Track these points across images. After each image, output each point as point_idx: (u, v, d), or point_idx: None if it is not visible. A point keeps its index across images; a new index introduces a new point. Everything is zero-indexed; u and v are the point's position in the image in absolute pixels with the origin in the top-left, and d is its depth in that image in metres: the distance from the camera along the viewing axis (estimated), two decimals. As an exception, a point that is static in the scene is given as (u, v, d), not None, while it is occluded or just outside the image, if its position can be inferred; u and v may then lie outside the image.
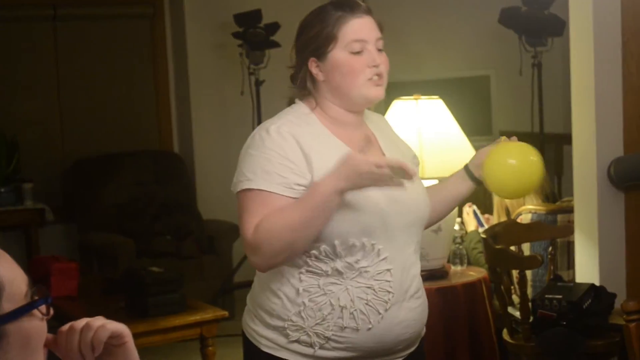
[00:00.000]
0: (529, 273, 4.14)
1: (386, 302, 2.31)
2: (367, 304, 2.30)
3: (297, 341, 2.33)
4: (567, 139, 3.99)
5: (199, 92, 7.04)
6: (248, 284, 2.58)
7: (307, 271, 2.31)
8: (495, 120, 7.29)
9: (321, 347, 2.32)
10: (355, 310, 2.29)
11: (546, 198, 4.48)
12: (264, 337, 2.38)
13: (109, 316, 1.52)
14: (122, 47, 7.03)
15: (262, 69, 6.59)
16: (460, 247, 4.16)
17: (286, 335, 2.34)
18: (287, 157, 2.29)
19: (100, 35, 6.95)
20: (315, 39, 2.36)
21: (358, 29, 2.35)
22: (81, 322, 1.47)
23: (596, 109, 3.79)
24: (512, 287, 4.10)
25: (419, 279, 2.41)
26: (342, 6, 2.36)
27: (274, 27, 6.45)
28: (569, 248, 4.20)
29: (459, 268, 4.09)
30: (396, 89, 4.75)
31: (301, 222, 2.21)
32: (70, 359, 1.47)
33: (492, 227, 4.15)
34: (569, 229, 4.09)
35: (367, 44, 2.35)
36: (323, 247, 2.28)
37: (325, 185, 2.20)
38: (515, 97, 7.21)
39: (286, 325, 2.33)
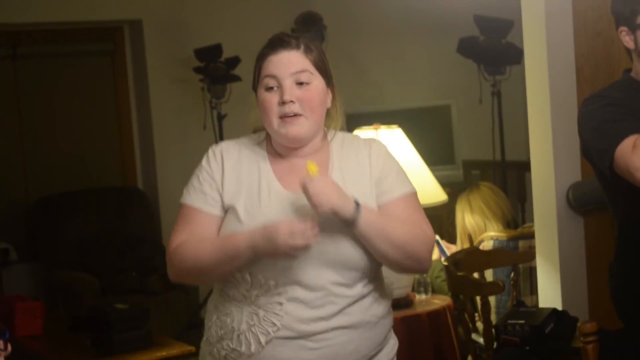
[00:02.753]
0: (492, 299, 4.17)
1: (268, 333, 2.29)
2: (250, 329, 2.31)
3: (210, 354, 2.42)
4: (528, 166, 4.04)
5: (161, 128, 7.04)
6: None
7: (221, 292, 2.40)
8: (457, 149, 7.36)
9: None
10: (242, 334, 2.32)
11: (507, 224, 4.53)
12: (201, 347, 2.50)
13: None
14: (83, 84, 7.03)
15: (224, 102, 6.62)
16: (424, 275, 4.18)
17: (206, 346, 2.45)
18: (211, 175, 2.40)
19: (61, 72, 6.94)
20: (253, 75, 2.42)
21: (272, 65, 2.36)
22: None
23: (553, 135, 3.83)
24: (476, 314, 4.13)
25: (334, 322, 2.29)
26: (269, 43, 2.40)
27: (235, 61, 6.49)
28: (531, 273, 4.23)
29: (423, 297, 4.11)
30: (357, 119, 4.81)
31: (210, 262, 2.30)
32: None
33: (454, 255, 4.18)
34: (530, 255, 4.13)
35: (281, 80, 2.34)
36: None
37: (242, 240, 2.26)
38: (476, 125, 7.28)
39: (205, 338, 2.46)
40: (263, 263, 2.26)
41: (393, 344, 2.49)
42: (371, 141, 2.48)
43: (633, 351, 2.85)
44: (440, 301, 4.04)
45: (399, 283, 3.86)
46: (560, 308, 3.72)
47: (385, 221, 2.31)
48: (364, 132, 4.08)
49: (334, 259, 2.29)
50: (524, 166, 6.66)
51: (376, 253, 2.31)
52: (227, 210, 2.37)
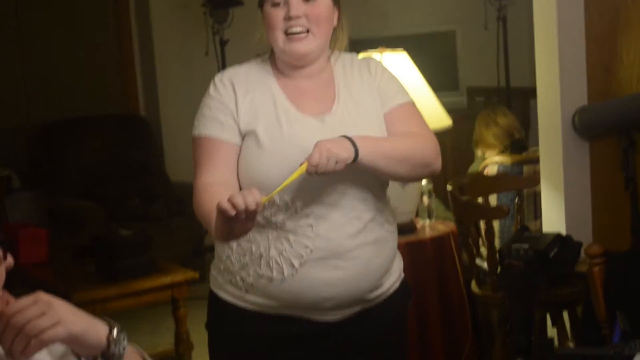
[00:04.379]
0: (496, 225, 4.17)
1: (302, 256, 2.29)
2: (281, 254, 2.30)
3: (230, 283, 2.39)
4: (533, 92, 4.00)
5: (163, 54, 7.00)
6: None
7: None
8: (462, 76, 7.29)
9: (247, 292, 2.36)
10: (271, 259, 2.30)
11: (505, 149, 4.51)
12: (212, 276, 2.46)
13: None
14: (84, 9, 6.95)
15: (227, 28, 6.55)
16: (429, 200, 4.16)
17: (223, 276, 2.42)
18: (224, 103, 2.35)
19: (62, -2, 6.88)
20: None
21: None
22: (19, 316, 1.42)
23: (559, 58, 3.79)
24: (480, 239, 4.13)
25: (360, 238, 2.32)
26: None
27: (237, -14, 6.41)
28: (536, 198, 4.22)
29: (427, 222, 4.09)
30: (361, 45, 4.74)
31: (207, 228, 2.25)
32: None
33: (458, 180, 4.16)
34: (534, 180, 4.11)
35: None
36: None
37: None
38: (481, 52, 7.22)
39: (222, 267, 2.41)
40: (288, 186, 2.21)
41: (399, 257, 2.54)
42: (368, 59, 2.51)
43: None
44: (444, 227, 4.03)
45: (403, 208, 3.84)
46: (564, 233, 3.72)
47: (381, 143, 2.32)
48: (369, 56, 4.01)
49: (361, 175, 2.31)
50: (529, 92, 6.61)
51: (386, 175, 2.36)
52: (244, 136, 2.33)
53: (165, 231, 6.04)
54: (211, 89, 2.39)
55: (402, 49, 4.12)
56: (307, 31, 2.32)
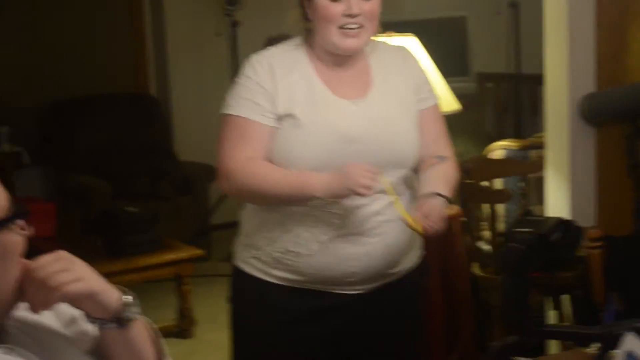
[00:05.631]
0: (501, 209, 4.18)
1: (328, 233, 2.35)
2: (307, 230, 2.35)
3: (255, 257, 2.45)
4: (543, 79, 4.01)
5: (175, 33, 7.00)
6: (225, 226, 2.67)
7: None
8: (472, 61, 7.28)
9: (274, 267, 2.42)
10: (298, 235, 2.36)
11: (488, 138, 4.51)
12: (237, 252, 2.52)
13: (86, 255, 1.59)
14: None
15: (239, 10, 6.55)
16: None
17: (248, 251, 2.47)
18: (262, 85, 2.38)
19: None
20: None
21: None
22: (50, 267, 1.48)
23: (568, 45, 3.80)
24: (483, 223, 4.14)
25: (384, 216, 2.38)
26: None
27: (250, -34, 6.41)
28: (541, 183, 4.22)
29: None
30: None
31: (272, 194, 2.33)
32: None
33: (463, 162, 4.17)
34: (540, 165, 4.12)
35: None
36: None
37: (313, 186, 2.27)
38: (492, 37, 7.20)
39: (248, 242, 2.47)
40: (322, 166, 2.29)
41: (420, 238, 2.58)
42: (402, 48, 2.59)
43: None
44: (449, 209, 4.03)
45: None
46: (568, 218, 3.73)
47: (449, 183, 2.50)
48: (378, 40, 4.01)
49: (391, 158, 2.39)
50: (539, 79, 6.60)
51: None
52: (281, 118, 2.37)
53: (172, 210, 6.07)
54: (248, 70, 2.42)
55: (411, 33, 4.12)
56: (361, 27, 2.37)
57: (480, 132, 4.72)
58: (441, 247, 3.87)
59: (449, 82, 4.22)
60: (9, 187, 5.48)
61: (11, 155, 6.34)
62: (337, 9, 2.34)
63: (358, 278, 2.41)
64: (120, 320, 1.55)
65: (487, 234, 4.03)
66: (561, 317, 3.73)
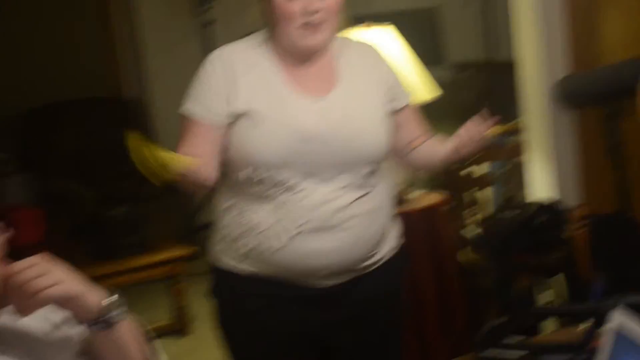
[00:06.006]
0: (488, 193, 4.22)
1: (295, 228, 2.32)
2: (275, 225, 2.34)
3: (227, 251, 2.45)
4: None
5: (150, 36, 6.99)
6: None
7: (234, 191, 2.41)
8: (447, 51, 7.35)
9: (244, 262, 2.42)
10: (268, 228, 2.34)
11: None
12: (212, 247, 2.52)
13: (75, 260, 1.59)
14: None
15: (216, 6, 6.57)
16: (419, 172, 4.21)
17: (220, 245, 2.48)
18: (217, 83, 2.34)
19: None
20: None
21: None
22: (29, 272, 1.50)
23: (540, 29, 3.83)
24: (467, 210, 4.19)
25: (350, 211, 2.36)
26: None
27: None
28: (523, 168, 4.28)
29: (417, 193, 4.15)
30: (345, 22, 4.79)
31: None
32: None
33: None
34: (520, 149, 4.18)
35: None
36: (240, 173, 2.35)
37: None
38: (465, 26, 7.25)
39: (219, 237, 2.47)
40: (281, 165, 2.29)
41: (396, 224, 2.61)
42: (370, 46, 2.55)
43: (625, 233, 2.91)
44: (434, 198, 4.09)
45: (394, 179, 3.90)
46: (553, 200, 3.78)
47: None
48: (356, 32, 4.07)
49: (355, 156, 2.37)
50: (513, 65, 6.66)
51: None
52: (239, 116, 2.33)
53: (160, 210, 6.09)
54: (208, 66, 2.37)
55: (389, 23, 4.17)
56: (322, 22, 2.31)
57: (460, 118, 4.75)
58: (429, 235, 3.94)
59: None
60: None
61: (-4, 163, 6.35)
62: (295, 7, 2.29)
63: (328, 272, 2.39)
64: (105, 321, 1.56)
65: (473, 219, 4.09)
66: (548, 299, 3.79)
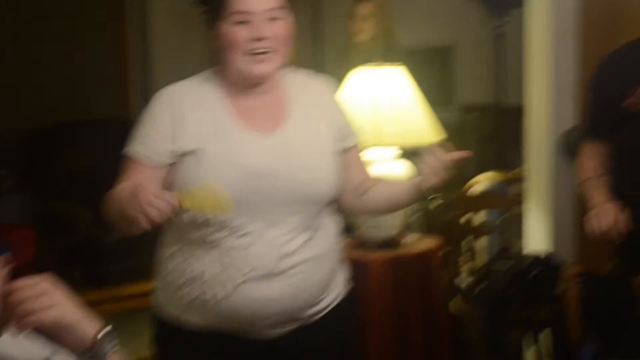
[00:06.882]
0: (483, 241, 4.18)
1: (237, 277, 2.26)
2: (218, 274, 2.27)
3: (170, 301, 2.36)
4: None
5: (161, 60, 6.99)
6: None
7: (177, 238, 2.34)
8: (457, 92, 7.32)
9: (186, 312, 2.33)
10: (211, 278, 2.27)
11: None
12: (154, 294, 2.43)
13: (65, 284, 1.56)
14: (77, 13, 6.97)
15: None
16: (415, 216, 4.17)
17: (163, 293, 2.38)
18: (161, 123, 2.29)
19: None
20: (208, 10, 2.31)
21: (243, 1, 2.23)
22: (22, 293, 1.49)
23: (550, 79, 3.82)
24: (461, 258, 4.13)
25: (297, 257, 2.30)
26: None
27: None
28: (521, 218, 4.23)
29: (413, 238, 4.10)
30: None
31: (113, 216, 2.26)
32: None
33: (444, 197, 4.17)
34: (521, 199, 4.13)
35: (251, 15, 2.23)
36: (182, 217, 2.26)
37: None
38: (476, 69, 7.24)
39: (161, 285, 2.38)
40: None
41: (344, 269, 2.51)
42: (323, 82, 2.48)
43: (618, 296, 2.86)
44: (430, 243, 4.04)
45: (389, 223, 3.85)
46: (548, 253, 3.73)
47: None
48: (369, 69, 4.02)
49: (305, 195, 2.31)
50: (521, 111, 6.63)
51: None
52: (185, 154, 2.27)
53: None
54: (154, 105, 2.32)
55: (401, 62, 4.11)
56: (271, 51, 2.26)
57: (463, 163, 4.71)
58: (421, 280, 3.87)
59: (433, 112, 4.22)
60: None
61: (-6, 180, 6.32)
62: (242, 33, 2.23)
63: (272, 321, 2.32)
64: (97, 354, 1.53)
65: (467, 268, 4.03)
66: (540, 354, 3.72)
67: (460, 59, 7.30)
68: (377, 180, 2.50)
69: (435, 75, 7.05)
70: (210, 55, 2.35)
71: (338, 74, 5.03)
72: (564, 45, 3.82)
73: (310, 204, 2.32)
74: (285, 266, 2.28)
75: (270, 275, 2.27)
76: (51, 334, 1.52)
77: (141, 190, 2.05)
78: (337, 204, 2.48)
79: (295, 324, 2.36)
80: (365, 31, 4.79)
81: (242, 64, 2.26)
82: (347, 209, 2.54)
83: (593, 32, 3.85)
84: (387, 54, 4.66)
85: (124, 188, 2.23)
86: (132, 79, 7.13)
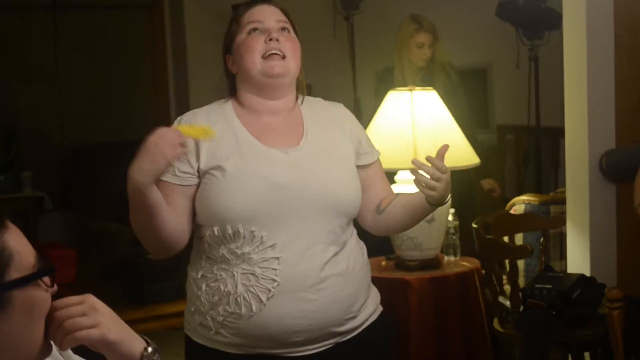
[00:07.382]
0: (521, 263, 4.18)
1: (269, 290, 2.29)
2: (248, 290, 2.30)
3: (201, 324, 2.39)
4: (563, 132, 4.03)
5: (197, 82, 7.07)
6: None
7: (207, 257, 2.38)
8: (492, 114, 7.32)
9: (216, 332, 2.36)
10: (239, 296, 2.30)
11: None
12: (186, 319, 2.47)
13: (106, 303, 1.56)
14: (120, 36, 7.07)
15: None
16: (454, 237, 4.19)
17: (194, 318, 2.41)
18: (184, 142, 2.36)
19: (99, 24, 6.99)
20: (227, 36, 2.49)
21: (255, 13, 2.44)
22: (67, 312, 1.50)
23: (588, 101, 3.83)
24: (504, 278, 4.14)
25: (327, 270, 2.34)
26: (245, 3, 2.49)
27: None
28: (562, 239, 4.24)
29: (452, 258, 4.12)
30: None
31: (132, 219, 2.33)
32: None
33: (483, 217, 4.19)
34: (561, 220, 4.13)
35: (264, 23, 2.42)
36: (211, 233, 2.33)
37: (129, 176, 2.26)
38: (512, 90, 7.23)
39: (193, 309, 2.41)
40: (253, 216, 2.28)
41: (375, 291, 2.54)
42: (337, 104, 2.59)
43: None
44: (469, 263, 4.05)
45: (428, 244, 3.88)
46: (588, 274, 3.73)
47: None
48: (399, 93, 4.06)
49: (327, 205, 2.36)
50: (559, 132, 6.61)
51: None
52: (206, 172, 2.35)
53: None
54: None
55: (431, 87, 4.15)
56: (284, 57, 2.40)
57: (501, 182, 4.74)
58: (461, 301, 3.89)
59: (468, 133, 4.24)
60: (32, 232, 5.56)
61: (34, 200, 6.39)
62: (257, 38, 2.40)
63: (304, 337, 2.34)
64: None
65: (507, 288, 4.04)
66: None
67: (496, 80, 7.30)
68: (397, 195, 2.55)
69: (470, 96, 7.07)
70: (227, 80, 2.52)
71: (373, 97, 5.10)
72: (602, 66, 3.83)
73: (333, 216, 2.37)
74: (316, 280, 2.32)
75: (300, 289, 2.31)
76: (97, 352, 1.53)
77: (150, 141, 2.23)
78: (360, 223, 2.54)
79: (327, 342, 2.38)
80: (425, 56, 4.95)
81: (260, 66, 2.39)
82: (369, 226, 2.58)
83: (629, 56, 3.86)
84: (447, 76, 4.81)
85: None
86: (171, 101, 7.22)
